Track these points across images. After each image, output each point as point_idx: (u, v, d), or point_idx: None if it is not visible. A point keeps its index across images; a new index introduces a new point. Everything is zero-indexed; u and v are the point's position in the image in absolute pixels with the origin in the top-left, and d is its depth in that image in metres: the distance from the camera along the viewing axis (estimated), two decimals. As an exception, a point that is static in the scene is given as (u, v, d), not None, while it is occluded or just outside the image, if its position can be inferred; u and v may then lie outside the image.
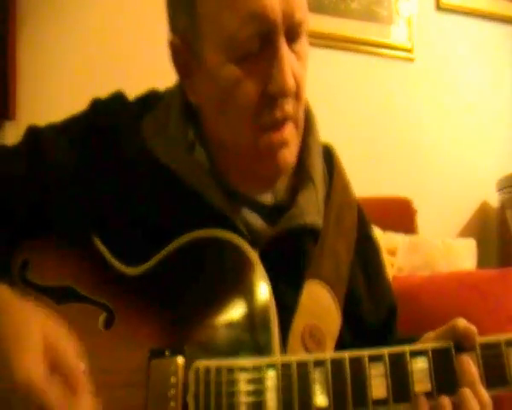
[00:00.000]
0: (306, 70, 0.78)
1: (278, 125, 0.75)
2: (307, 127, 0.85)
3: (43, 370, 0.57)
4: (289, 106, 0.74)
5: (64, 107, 1.85)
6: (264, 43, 0.72)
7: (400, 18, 2.39)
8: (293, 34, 0.74)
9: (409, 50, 2.41)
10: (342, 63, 2.31)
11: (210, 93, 0.77)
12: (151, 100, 0.87)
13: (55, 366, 0.58)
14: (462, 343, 0.66)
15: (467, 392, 0.63)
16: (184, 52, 0.77)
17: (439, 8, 2.47)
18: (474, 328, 0.66)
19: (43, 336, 0.59)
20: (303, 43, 0.76)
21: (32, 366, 0.56)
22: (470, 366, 0.64)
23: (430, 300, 1.58)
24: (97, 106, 0.87)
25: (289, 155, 0.78)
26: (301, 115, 0.78)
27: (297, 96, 0.76)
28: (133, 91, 0.91)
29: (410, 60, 2.42)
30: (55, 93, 1.91)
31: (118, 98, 0.88)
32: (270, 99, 0.73)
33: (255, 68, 0.72)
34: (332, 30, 2.27)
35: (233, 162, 0.80)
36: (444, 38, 2.49)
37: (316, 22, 2.22)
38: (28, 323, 0.60)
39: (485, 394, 0.64)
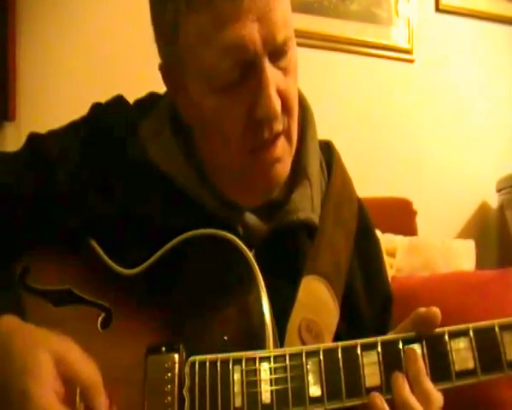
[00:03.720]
0: (296, 80, 0.77)
1: (269, 143, 0.74)
2: (304, 124, 0.86)
3: (58, 398, 0.59)
4: (278, 125, 0.73)
5: (64, 107, 1.86)
6: (246, 71, 0.70)
7: (400, 19, 2.40)
8: (277, 54, 0.72)
9: (408, 52, 2.41)
10: (342, 65, 2.31)
11: (197, 118, 0.77)
12: (151, 103, 0.87)
13: (72, 387, 0.61)
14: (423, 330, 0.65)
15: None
16: (171, 77, 0.78)
17: (438, 9, 2.48)
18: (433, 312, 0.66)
19: (54, 360, 0.61)
20: (290, 56, 0.74)
21: (45, 397, 0.58)
22: (416, 356, 0.64)
23: (429, 301, 1.57)
24: (97, 111, 0.88)
25: (283, 169, 0.77)
26: (294, 128, 0.77)
27: (287, 110, 0.75)
28: (133, 92, 0.91)
29: (410, 61, 2.43)
30: (55, 94, 1.91)
31: (118, 102, 0.88)
32: (257, 123, 0.72)
33: (239, 96, 0.71)
34: (331, 31, 2.27)
35: (226, 178, 0.80)
36: (443, 40, 2.49)
37: (315, 24, 2.22)
38: (36, 349, 0.61)
39: (430, 387, 0.63)
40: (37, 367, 0.60)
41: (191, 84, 0.74)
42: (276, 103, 0.71)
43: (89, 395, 0.61)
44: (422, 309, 0.66)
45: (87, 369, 0.62)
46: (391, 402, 0.63)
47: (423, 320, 0.66)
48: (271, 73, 0.71)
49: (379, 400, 0.62)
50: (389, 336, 0.67)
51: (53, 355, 0.61)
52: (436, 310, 0.66)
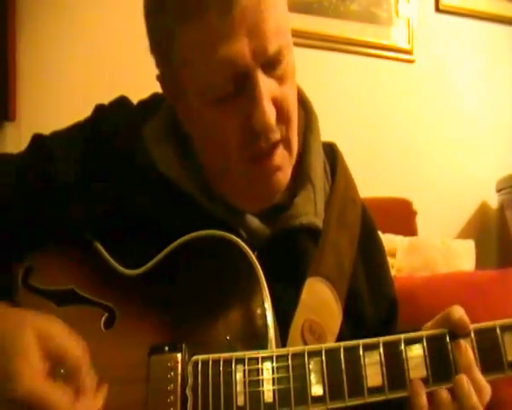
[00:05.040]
0: (294, 87, 0.77)
1: (267, 153, 0.74)
2: (307, 127, 0.86)
3: (43, 374, 0.59)
4: (275, 134, 0.74)
5: (64, 108, 1.86)
6: (241, 83, 0.70)
7: (400, 19, 2.40)
8: (271, 64, 0.72)
9: (408, 52, 2.41)
10: (342, 65, 2.31)
11: (196, 129, 0.78)
12: (154, 104, 0.88)
13: (57, 361, 0.61)
14: (456, 331, 0.66)
15: (463, 378, 0.63)
16: (168, 87, 0.79)
17: (438, 9, 2.48)
18: (467, 319, 0.67)
19: (37, 337, 0.61)
20: (285, 64, 0.73)
21: (31, 376, 0.58)
22: (466, 350, 0.65)
23: (429, 300, 1.58)
24: (100, 112, 0.88)
25: (282, 177, 0.78)
26: (292, 135, 0.77)
27: (284, 119, 0.75)
28: (133, 92, 0.91)
29: (410, 61, 2.43)
30: (55, 94, 1.91)
31: (121, 104, 0.89)
32: (253, 134, 0.72)
33: (234, 108, 0.71)
34: (331, 32, 2.27)
35: (225, 185, 0.81)
36: (443, 40, 2.49)
37: (315, 24, 2.23)
38: (21, 329, 0.61)
39: (481, 379, 0.64)
40: (22, 347, 0.59)
41: (188, 97, 0.75)
42: (271, 115, 0.71)
43: (74, 371, 0.61)
44: (456, 315, 0.67)
45: (72, 344, 0.62)
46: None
47: (456, 327, 0.66)
48: (265, 83, 0.71)
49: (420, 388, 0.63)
50: (391, 337, 0.67)
51: (38, 333, 0.61)
52: (467, 320, 0.67)
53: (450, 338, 0.66)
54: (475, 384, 0.63)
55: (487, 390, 0.64)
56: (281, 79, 0.73)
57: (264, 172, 0.76)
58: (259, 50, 0.69)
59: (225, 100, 0.71)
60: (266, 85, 0.71)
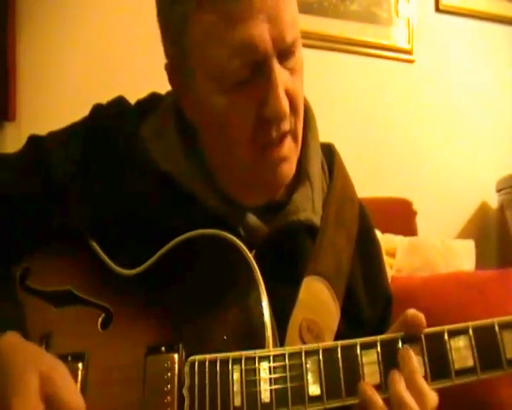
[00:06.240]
0: (302, 80, 0.77)
1: (276, 142, 0.74)
2: (305, 125, 0.86)
3: None
4: (286, 124, 0.74)
5: (64, 108, 1.86)
6: (255, 70, 0.70)
7: (400, 19, 2.40)
8: (285, 54, 0.72)
9: (408, 52, 2.42)
10: (342, 65, 2.32)
11: (204, 117, 0.78)
12: (152, 103, 0.88)
13: (53, 407, 0.60)
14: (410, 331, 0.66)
15: (400, 387, 0.62)
16: (177, 77, 0.78)
17: (438, 9, 2.48)
18: (420, 316, 0.66)
19: (40, 380, 0.61)
20: (296, 57, 0.74)
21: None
22: (410, 357, 0.64)
23: (429, 301, 1.58)
24: (98, 112, 0.88)
25: (289, 168, 0.78)
26: (299, 127, 0.78)
27: (294, 110, 0.75)
28: (133, 92, 0.91)
29: (410, 61, 2.43)
30: (55, 94, 1.92)
31: (118, 103, 0.89)
32: (265, 122, 0.72)
33: (248, 95, 0.71)
34: (331, 32, 2.28)
35: (231, 177, 0.80)
36: (443, 40, 2.50)
37: (315, 24, 2.23)
38: (26, 369, 0.61)
39: (425, 386, 0.63)
40: (23, 387, 0.60)
41: (199, 84, 0.74)
42: (285, 104, 0.71)
43: None
44: (410, 312, 0.67)
45: (71, 392, 0.62)
46: (388, 401, 0.63)
47: (410, 323, 0.66)
48: (280, 73, 0.71)
49: (369, 389, 0.63)
50: (388, 336, 0.67)
51: (40, 376, 0.61)
52: (422, 316, 0.66)
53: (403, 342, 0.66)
54: (416, 392, 0.62)
55: (431, 398, 0.63)
56: (292, 71, 0.74)
57: (271, 162, 0.76)
58: (278, 38, 0.70)
59: (238, 86, 0.71)
60: (281, 75, 0.71)
